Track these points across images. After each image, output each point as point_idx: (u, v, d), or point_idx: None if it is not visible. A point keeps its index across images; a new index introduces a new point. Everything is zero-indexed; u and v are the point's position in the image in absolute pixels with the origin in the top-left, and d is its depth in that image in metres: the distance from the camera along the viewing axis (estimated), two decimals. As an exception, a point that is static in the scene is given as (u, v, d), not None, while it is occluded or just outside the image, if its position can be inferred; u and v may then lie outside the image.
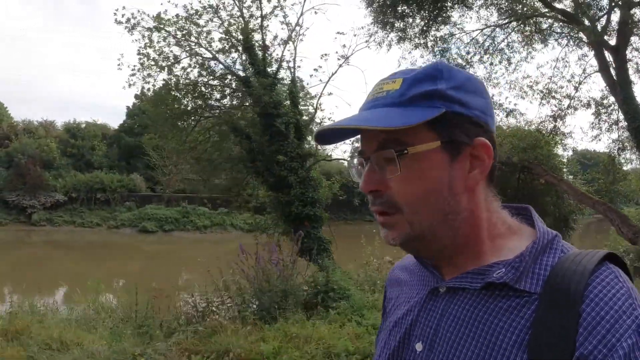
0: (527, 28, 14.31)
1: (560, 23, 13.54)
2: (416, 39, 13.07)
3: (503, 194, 10.26)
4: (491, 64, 14.84)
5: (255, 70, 11.37)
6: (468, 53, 14.64)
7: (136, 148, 35.16)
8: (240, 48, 11.61)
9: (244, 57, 11.74)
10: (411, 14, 12.34)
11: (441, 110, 0.70)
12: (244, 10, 11.68)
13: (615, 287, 0.65)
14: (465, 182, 0.73)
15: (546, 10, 13.16)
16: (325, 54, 12.58)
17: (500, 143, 15.08)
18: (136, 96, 37.43)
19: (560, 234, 0.80)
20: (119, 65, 11.88)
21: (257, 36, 11.73)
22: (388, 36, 12.94)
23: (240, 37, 11.50)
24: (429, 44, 13.19)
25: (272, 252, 5.71)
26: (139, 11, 11.47)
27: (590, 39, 10.58)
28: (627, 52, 11.34)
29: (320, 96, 12.46)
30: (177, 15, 11.41)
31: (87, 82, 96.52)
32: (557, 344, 0.62)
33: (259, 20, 11.76)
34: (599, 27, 11.75)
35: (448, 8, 12.17)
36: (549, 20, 13.88)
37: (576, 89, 14.37)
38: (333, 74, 12.46)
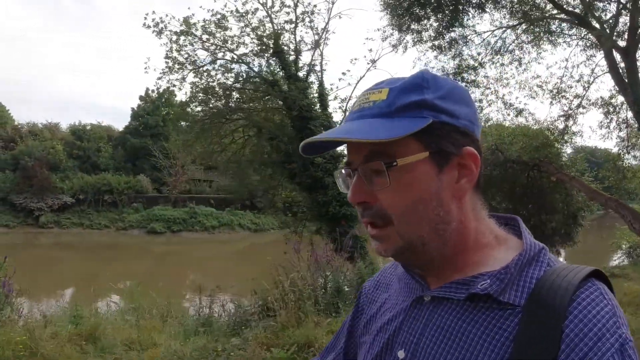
0: (536, 29, 14.69)
1: (569, 24, 13.93)
2: (430, 41, 13.52)
3: (512, 192, 10.70)
4: (502, 64, 15.23)
5: (286, 74, 11.77)
6: (479, 54, 15.05)
7: (142, 149, 35.46)
8: (269, 52, 12.01)
9: (271, 62, 12.15)
10: (427, 16, 12.73)
11: (428, 120, 0.70)
12: (272, 16, 12.09)
13: (600, 304, 0.64)
14: (453, 192, 0.73)
15: (556, 12, 13.54)
16: (355, 59, 13.10)
17: (511, 142, 15.60)
18: (141, 97, 37.84)
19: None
20: (145, 69, 12.30)
21: (285, 41, 12.16)
22: (404, 38, 13.37)
23: (270, 41, 11.89)
24: (444, 45, 13.59)
25: (324, 250, 6.11)
26: (167, 15, 11.86)
27: (606, 45, 10.98)
28: (637, 54, 11.73)
29: (349, 99, 12.92)
30: (204, 20, 11.83)
31: (87, 82, 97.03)
32: (539, 358, 0.61)
33: (290, 25, 12.20)
34: (607, 29, 12.18)
35: (465, 11, 12.55)
36: (557, 22, 14.24)
37: (585, 88, 14.78)
38: (361, 78, 12.94)
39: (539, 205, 15.70)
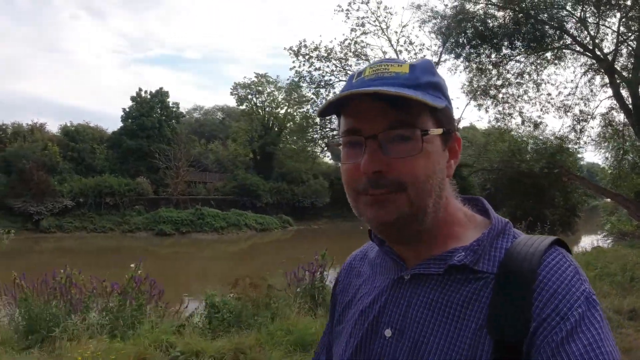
0: (547, 55, 19.01)
1: (575, 52, 18.34)
2: (477, 65, 17.72)
3: (518, 190, 16.00)
4: (519, 83, 19.45)
5: None
6: (500, 74, 19.22)
7: (137, 151, 37.35)
8: None
9: None
10: (480, 46, 16.85)
11: (445, 101, 0.84)
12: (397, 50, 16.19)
13: (563, 265, 0.78)
14: (446, 171, 0.87)
15: (570, 41, 17.78)
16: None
17: (525, 147, 20.08)
18: (132, 98, 39.65)
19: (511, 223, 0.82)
20: (279, 74, 16.46)
21: None
22: (457, 64, 17.56)
23: None
24: (486, 68, 17.80)
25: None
26: (305, 40, 15.89)
27: (614, 81, 15.29)
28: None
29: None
30: (331, 50, 15.94)
31: (44, 83, 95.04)
32: (514, 317, 0.73)
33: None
34: (609, 58, 16.63)
35: (516, 47, 16.74)
36: (570, 51, 18.56)
37: (586, 104, 19.23)
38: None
39: (540, 201, 20.11)
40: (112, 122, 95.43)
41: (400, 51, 18.20)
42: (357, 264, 1.05)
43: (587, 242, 22.18)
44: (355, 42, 16.85)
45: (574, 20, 16.96)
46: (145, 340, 5.01)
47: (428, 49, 18.81)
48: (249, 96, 44.70)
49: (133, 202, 35.24)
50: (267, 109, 45.57)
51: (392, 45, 17.72)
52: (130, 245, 30.82)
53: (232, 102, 55.42)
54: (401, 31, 18.21)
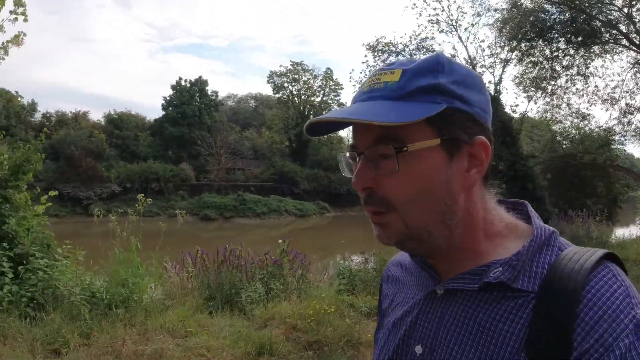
0: (595, 48, 20.17)
1: (621, 46, 19.51)
2: (529, 58, 19.11)
3: (560, 180, 17.91)
4: (571, 77, 20.64)
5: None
6: (552, 67, 20.45)
7: (179, 138, 39.19)
8: None
9: None
10: (535, 40, 18.22)
11: (442, 106, 0.73)
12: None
13: (613, 286, 0.69)
14: (462, 182, 0.77)
15: (620, 37, 18.97)
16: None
17: (572, 139, 21.22)
18: (172, 87, 41.42)
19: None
20: (350, 79, 18.61)
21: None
22: (512, 57, 19.03)
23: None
24: (539, 61, 19.13)
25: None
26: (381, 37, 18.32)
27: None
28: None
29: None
30: (405, 45, 17.94)
31: (65, 70, 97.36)
32: (555, 343, 0.66)
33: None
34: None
35: (572, 42, 18.05)
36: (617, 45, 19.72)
37: (631, 97, 20.42)
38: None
39: (582, 191, 21.33)
40: (141, 110, 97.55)
41: (476, 49, 20.35)
42: (394, 270, 1.01)
43: (625, 232, 23.27)
44: (426, 38, 18.51)
45: (622, 16, 18.14)
46: (330, 299, 6.46)
47: (500, 47, 20.34)
48: (285, 84, 46.65)
49: (177, 187, 37.13)
50: (302, 97, 47.55)
51: (461, 41, 19.25)
52: (179, 229, 32.45)
53: (264, 89, 56.79)
54: (470, 28, 19.94)
